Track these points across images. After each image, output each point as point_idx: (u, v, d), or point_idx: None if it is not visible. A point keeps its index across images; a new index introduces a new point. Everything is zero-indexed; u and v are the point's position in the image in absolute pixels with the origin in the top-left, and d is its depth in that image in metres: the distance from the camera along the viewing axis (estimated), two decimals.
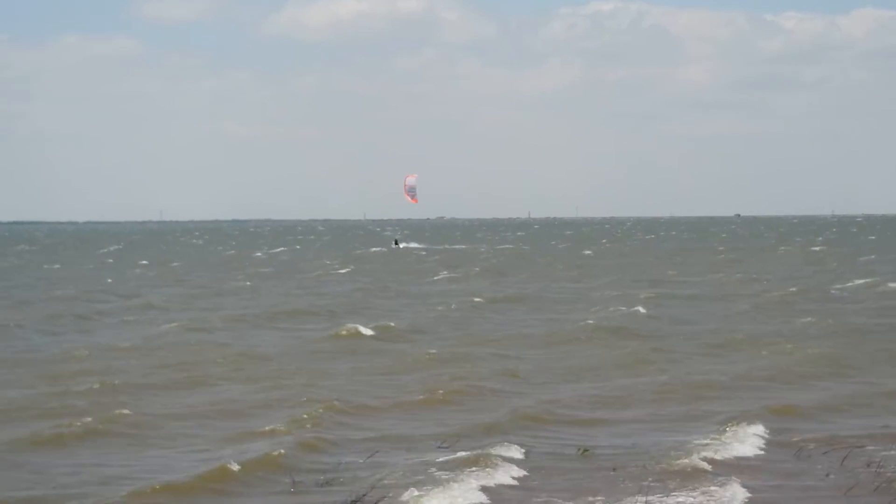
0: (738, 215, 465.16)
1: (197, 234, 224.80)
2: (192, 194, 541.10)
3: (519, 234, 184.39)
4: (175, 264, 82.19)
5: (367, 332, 33.56)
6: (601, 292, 47.94)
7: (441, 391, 23.45)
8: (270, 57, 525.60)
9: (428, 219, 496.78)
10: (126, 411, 21.10)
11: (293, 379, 25.21)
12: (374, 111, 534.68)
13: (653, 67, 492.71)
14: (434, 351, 29.48)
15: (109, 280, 61.90)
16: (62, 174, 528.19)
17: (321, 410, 21.07)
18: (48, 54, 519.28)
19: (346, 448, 18.58)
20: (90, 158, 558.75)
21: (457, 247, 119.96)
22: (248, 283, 58.00)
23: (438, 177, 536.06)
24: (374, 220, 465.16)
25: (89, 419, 20.34)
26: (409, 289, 52.63)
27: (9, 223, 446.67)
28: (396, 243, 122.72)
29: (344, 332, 33.44)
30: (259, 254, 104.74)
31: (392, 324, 35.60)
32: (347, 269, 70.77)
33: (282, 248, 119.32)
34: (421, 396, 23.06)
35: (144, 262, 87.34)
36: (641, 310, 38.64)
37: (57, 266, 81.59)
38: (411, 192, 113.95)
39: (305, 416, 20.62)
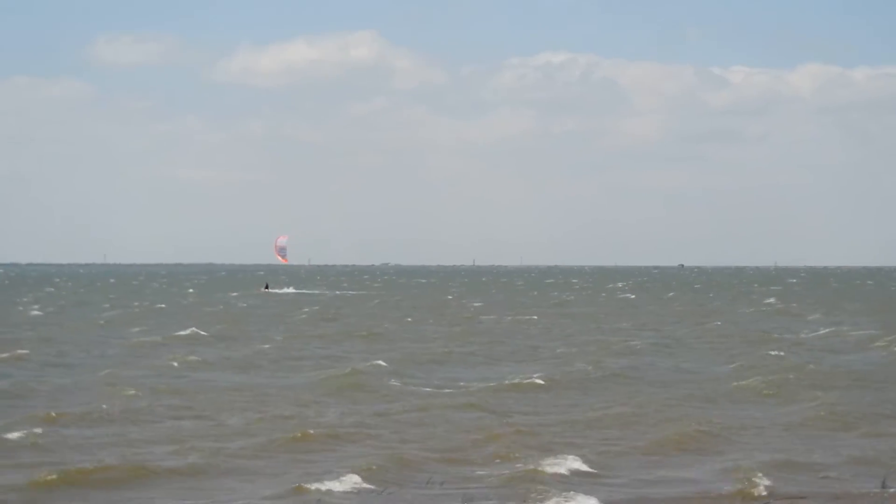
0: (682, 265, 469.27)
1: (141, 277, 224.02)
2: (135, 237, 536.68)
3: (422, 281, 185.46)
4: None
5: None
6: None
7: None
8: (221, 102, 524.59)
9: (372, 265, 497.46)
10: None
11: None
12: (323, 157, 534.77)
13: (602, 119, 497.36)
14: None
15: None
16: (6, 215, 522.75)
17: None
18: None
19: None
20: (36, 199, 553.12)
21: (337, 292, 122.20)
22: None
23: (386, 223, 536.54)
24: (318, 266, 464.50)
25: None
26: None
27: None
28: (267, 287, 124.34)
29: None
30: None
31: None
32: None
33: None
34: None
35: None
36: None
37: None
38: (282, 252, 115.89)
39: None
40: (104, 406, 28.39)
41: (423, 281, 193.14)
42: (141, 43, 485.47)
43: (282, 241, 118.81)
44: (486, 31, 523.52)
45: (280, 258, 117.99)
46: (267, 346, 47.28)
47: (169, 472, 20.98)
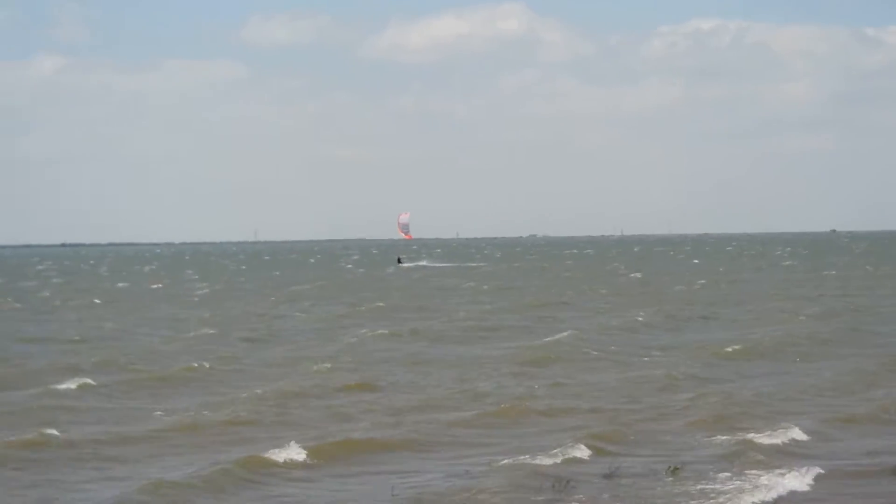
0: (834, 230, 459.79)
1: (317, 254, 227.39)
2: (286, 215, 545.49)
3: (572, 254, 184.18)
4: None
5: None
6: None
7: None
8: (370, 79, 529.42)
9: (521, 237, 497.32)
10: None
11: None
12: (472, 131, 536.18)
13: (753, 84, 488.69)
14: None
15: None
16: (162, 195, 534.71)
17: None
18: (153, 79, 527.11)
19: None
20: (190, 180, 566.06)
21: (468, 265, 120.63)
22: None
23: (534, 196, 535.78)
24: (468, 239, 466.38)
25: None
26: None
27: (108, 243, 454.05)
28: (399, 261, 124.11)
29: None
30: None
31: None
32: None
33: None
34: None
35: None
36: None
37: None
38: (405, 228, 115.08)
39: None
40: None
41: (576, 251, 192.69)
42: (294, 21, 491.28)
43: (404, 218, 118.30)
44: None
45: (403, 234, 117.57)
46: (462, 314, 48.01)
47: (390, 444, 21.51)
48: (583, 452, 20.07)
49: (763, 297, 58.01)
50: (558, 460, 19.43)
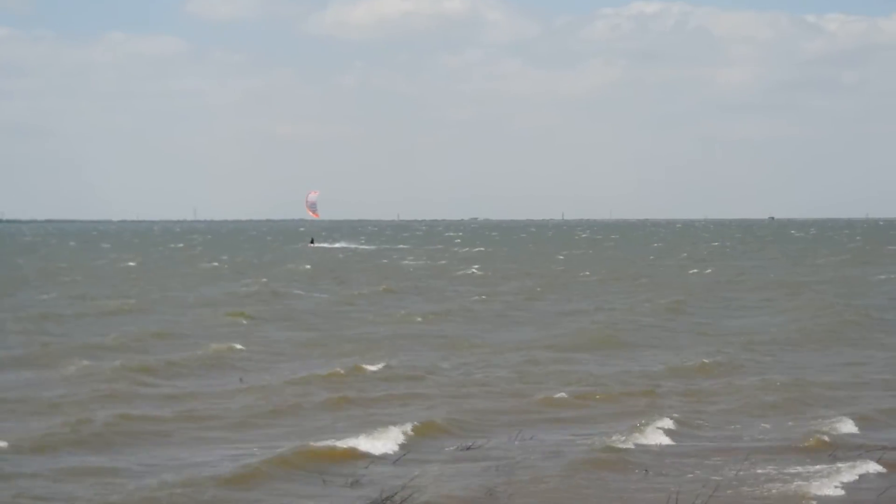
0: (772, 218, 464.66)
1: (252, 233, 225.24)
2: (227, 193, 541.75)
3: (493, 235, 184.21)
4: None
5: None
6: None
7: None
8: (314, 55, 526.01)
9: (462, 220, 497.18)
10: None
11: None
12: (414, 110, 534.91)
13: (694, 69, 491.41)
14: None
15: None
16: (102, 171, 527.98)
17: None
18: (93, 51, 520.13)
19: None
20: (130, 154, 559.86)
21: (389, 247, 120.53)
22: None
23: (475, 177, 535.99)
24: (406, 221, 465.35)
25: None
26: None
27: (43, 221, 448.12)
28: (312, 241, 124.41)
29: None
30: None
31: None
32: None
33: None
34: None
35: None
36: None
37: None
38: (312, 207, 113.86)
39: None
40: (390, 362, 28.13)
41: (525, 235, 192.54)
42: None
43: (312, 196, 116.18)
44: None
45: (311, 213, 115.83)
46: (475, 299, 47.18)
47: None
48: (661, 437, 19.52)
49: (778, 283, 57.44)
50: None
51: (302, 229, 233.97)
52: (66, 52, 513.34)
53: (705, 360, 28.38)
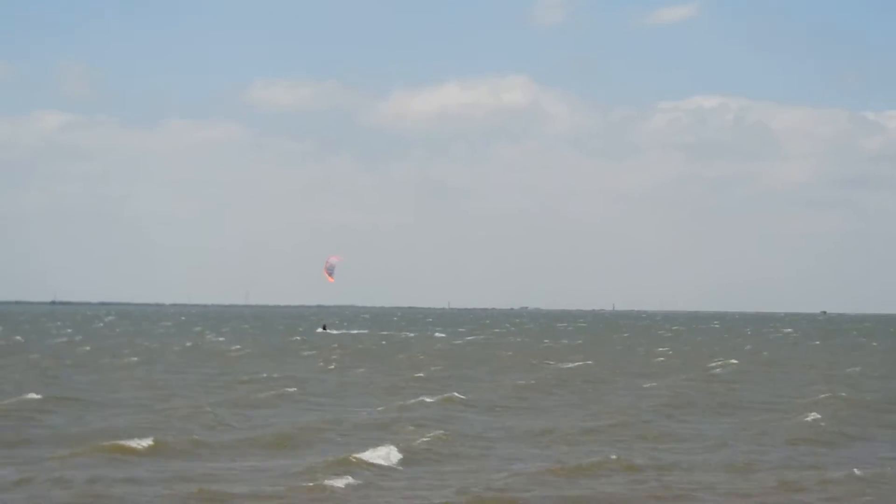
0: (825, 312, 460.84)
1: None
2: (279, 278, 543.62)
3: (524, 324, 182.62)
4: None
5: None
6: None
7: None
8: (372, 144, 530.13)
9: (512, 308, 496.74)
10: None
11: None
12: (470, 200, 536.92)
13: (753, 163, 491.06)
14: None
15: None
16: (161, 257, 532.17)
17: None
18: (155, 138, 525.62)
19: None
20: (187, 242, 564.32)
21: (403, 334, 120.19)
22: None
23: (525, 267, 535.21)
24: (457, 309, 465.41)
25: None
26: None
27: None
28: (324, 328, 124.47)
29: None
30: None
31: None
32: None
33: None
34: None
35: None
36: None
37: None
38: (330, 270, 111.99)
39: None
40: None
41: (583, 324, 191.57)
42: (297, 88, 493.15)
43: (333, 259, 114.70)
44: (637, 75, 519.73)
45: (328, 276, 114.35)
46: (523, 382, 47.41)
47: None
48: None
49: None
50: None
51: (366, 316, 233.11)
52: (126, 138, 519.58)
53: None
